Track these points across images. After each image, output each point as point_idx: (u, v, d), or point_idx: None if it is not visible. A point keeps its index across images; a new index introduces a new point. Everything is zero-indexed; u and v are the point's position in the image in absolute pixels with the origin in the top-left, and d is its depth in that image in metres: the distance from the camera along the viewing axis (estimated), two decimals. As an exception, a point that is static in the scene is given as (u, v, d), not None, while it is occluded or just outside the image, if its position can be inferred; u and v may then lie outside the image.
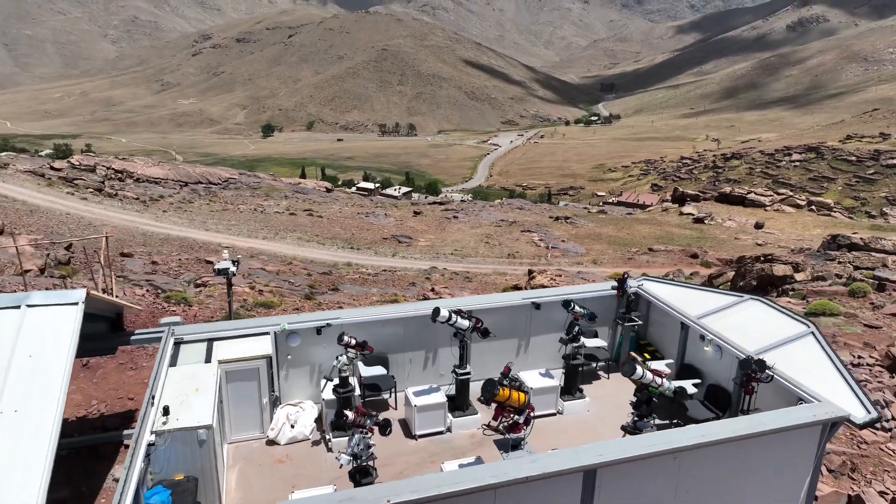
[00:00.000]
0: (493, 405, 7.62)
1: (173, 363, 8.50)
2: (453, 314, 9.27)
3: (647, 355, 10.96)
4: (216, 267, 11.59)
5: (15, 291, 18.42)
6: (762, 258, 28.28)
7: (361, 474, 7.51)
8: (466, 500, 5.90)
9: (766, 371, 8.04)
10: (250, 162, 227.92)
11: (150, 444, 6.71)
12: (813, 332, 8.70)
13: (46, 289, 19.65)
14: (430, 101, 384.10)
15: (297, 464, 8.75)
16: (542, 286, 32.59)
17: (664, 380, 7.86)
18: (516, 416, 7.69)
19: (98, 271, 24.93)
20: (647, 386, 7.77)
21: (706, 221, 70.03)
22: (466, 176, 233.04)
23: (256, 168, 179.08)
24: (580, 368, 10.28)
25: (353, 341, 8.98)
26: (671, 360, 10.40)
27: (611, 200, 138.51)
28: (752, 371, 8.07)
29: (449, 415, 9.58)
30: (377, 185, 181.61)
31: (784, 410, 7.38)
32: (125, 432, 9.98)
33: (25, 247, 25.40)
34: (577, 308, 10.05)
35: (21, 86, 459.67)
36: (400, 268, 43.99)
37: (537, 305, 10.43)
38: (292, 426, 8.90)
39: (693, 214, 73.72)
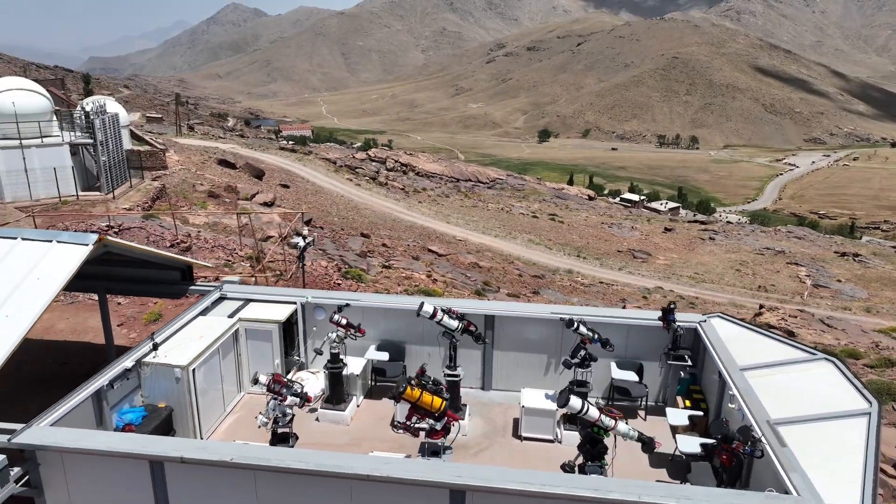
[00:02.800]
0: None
1: (205, 313, 9.60)
2: (440, 311, 8.94)
3: (687, 402, 9.16)
4: (291, 241, 12.75)
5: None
6: None
7: (279, 440, 7.64)
8: (321, 482, 6.19)
9: (756, 444, 6.47)
10: (523, 165, 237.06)
11: (127, 370, 8.15)
12: (868, 413, 6.79)
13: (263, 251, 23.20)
14: (718, 112, 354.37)
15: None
16: (769, 325, 28.16)
17: (619, 422, 6.74)
18: (432, 421, 7.20)
19: (324, 242, 28.40)
20: (593, 425, 6.74)
21: None
22: (749, 197, 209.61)
23: (527, 171, 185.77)
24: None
25: (345, 321, 9.22)
26: (696, 413, 8.95)
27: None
28: (732, 439, 6.65)
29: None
30: (643, 197, 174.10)
31: (730, 493, 5.89)
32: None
33: (274, 216, 30.25)
34: (581, 329, 8.85)
35: (348, 88, 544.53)
36: (621, 282, 41.71)
37: (569, 323, 9.33)
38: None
39: None
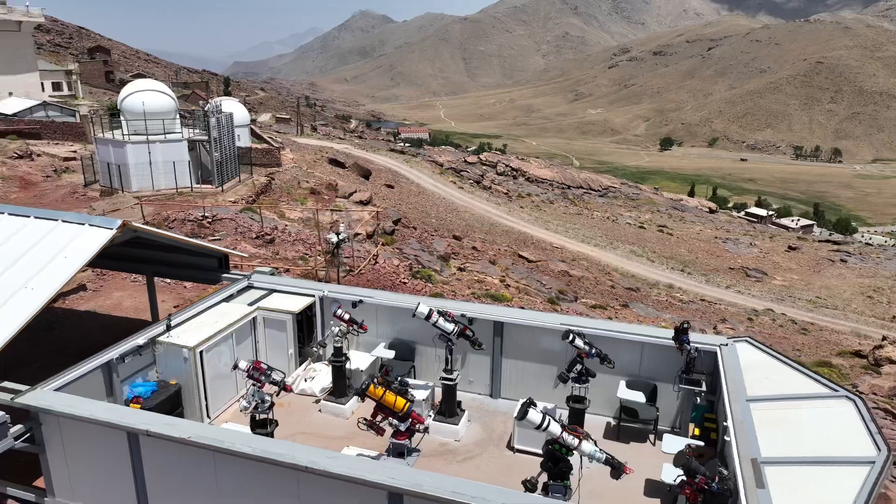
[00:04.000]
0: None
1: (228, 300, 10.17)
2: (436, 313, 8.77)
3: (696, 431, 8.43)
4: (328, 237, 13.18)
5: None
6: None
7: (258, 425, 7.86)
8: (269, 469, 6.37)
9: (724, 481, 5.93)
10: (641, 173, 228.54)
11: (139, 347, 8.74)
12: (873, 462, 5.99)
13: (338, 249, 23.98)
14: (868, 123, 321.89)
15: (288, 411, 9.55)
16: (890, 360, 25.26)
17: (584, 442, 6.40)
18: (397, 422, 7.15)
19: (410, 242, 28.83)
20: (555, 441, 6.47)
21: None
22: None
23: (645, 180, 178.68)
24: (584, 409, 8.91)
25: (347, 316, 9.36)
26: (697, 442, 8.27)
27: None
28: (695, 473, 6.04)
29: (430, 415, 9.51)
30: (771, 212, 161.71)
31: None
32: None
33: (364, 214, 31.09)
34: (577, 342, 8.33)
35: (467, 93, 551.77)
36: (726, 301, 38.90)
37: (565, 335, 8.95)
38: (306, 380, 9.50)
39: None
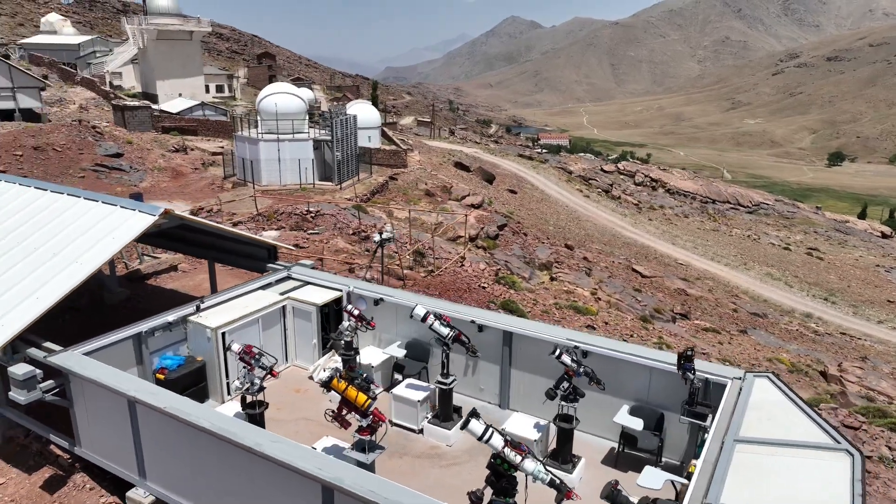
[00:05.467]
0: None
1: (265, 288, 10.97)
2: (432, 316, 8.85)
3: (692, 468, 7.36)
4: (380, 238, 13.35)
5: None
6: None
7: (248, 406, 8.32)
8: (226, 447, 6.77)
9: None
10: (802, 190, 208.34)
11: (169, 323, 9.59)
12: None
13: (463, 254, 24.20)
14: None
15: (304, 398, 10.05)
16: None
17: (527, 459, 6.23)
18: (359, 417, 7.28)
19: (512, 248, 28.59)
20: (498, 456, 6.38)
21: None
22: None
23: (807, 198, 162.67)
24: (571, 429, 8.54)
25: (357, 312, 9.63)
26: (680, 479, 7.53)
27: None
28: None
29: (426, 417, 9.59)
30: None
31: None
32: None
33: (470, 218, 31.17)
34: (564, 358, 7.89)
35: (613, 99, 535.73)
36: (875, 338, 34.30)
37: (585, 354, 8.74)
38: (325, 370, 9.79)
39: None
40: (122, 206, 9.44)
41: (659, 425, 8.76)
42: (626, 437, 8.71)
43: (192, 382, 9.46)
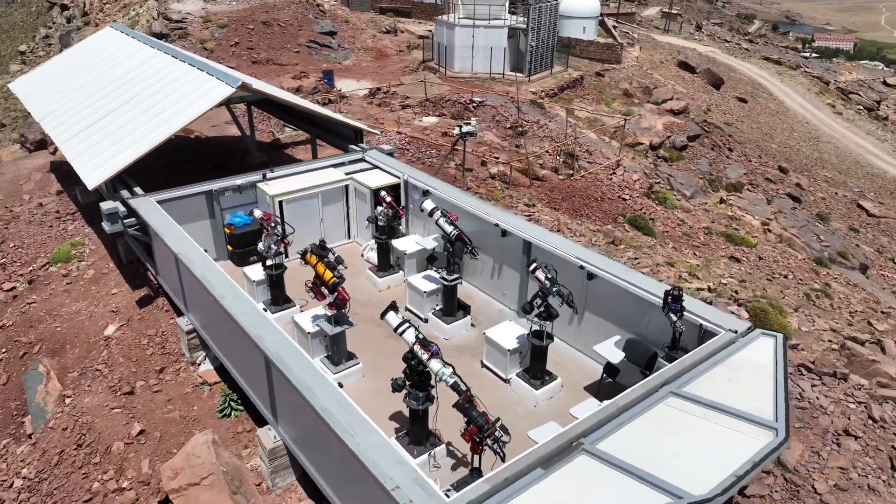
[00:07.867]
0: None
1: (337, 167, 11.69)
2: (437, 212, 8.93)
3: None
4: (460, 131, 12.76)
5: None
6: None
7: (268, 267, 9.27)
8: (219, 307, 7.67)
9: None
10: None
11: (238, 186, 10.88)
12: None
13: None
14: None
15: (348, 273, 10.08)
16: None
17: (433, 360, 6.39)
18: (326, 291, 7.88)
19: (698, 162, 25.87)
20: (410, 350, 6.66)
21: None
22: None
23: None
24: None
25: (389, 198, 10.34)
26: None
27: None
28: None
29: (430, 310, 9.89)
30: None
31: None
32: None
33: (659, 125, 28.32)
34: (538, 274, 7.60)
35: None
36: None
37: (591, 276, 8.43)
38: (371, 250, 10.63)
39: None
40: (209, 74, 10.46)
41: (650, 364, 8.03)
42: (610, 367, 8.31)
43: (252, 241, 10.52)
